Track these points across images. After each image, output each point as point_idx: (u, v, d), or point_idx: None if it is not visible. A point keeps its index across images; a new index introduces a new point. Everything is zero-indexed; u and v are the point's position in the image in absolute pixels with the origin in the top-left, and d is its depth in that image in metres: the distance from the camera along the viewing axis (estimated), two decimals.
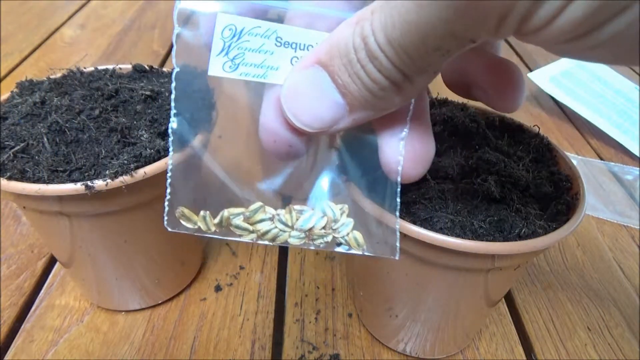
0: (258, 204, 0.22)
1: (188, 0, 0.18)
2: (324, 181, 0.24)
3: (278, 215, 0.22)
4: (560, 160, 0.32)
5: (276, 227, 0.23)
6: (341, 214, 0.23)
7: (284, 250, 0.43)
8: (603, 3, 0.12)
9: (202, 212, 0.22)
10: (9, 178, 0.27)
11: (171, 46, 0.77)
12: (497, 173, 0.28)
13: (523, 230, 0.25)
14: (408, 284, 0.29)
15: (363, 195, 0.25)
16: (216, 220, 0.22)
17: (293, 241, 0.23)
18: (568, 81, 0.66)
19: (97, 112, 0.30)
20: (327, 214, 0.23)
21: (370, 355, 0.35)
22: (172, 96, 0.20)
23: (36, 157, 0.28)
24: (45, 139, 0.28)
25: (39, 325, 0.36)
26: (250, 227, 0.22)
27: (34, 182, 0.27)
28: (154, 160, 0.28)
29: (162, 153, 0.28)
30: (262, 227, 0.22)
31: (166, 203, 0.21)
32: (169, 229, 0.21)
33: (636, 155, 0.57)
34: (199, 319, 0.37)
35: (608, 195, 0.51)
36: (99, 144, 0.29)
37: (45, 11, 0.86)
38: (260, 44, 0.19)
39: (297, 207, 0.23)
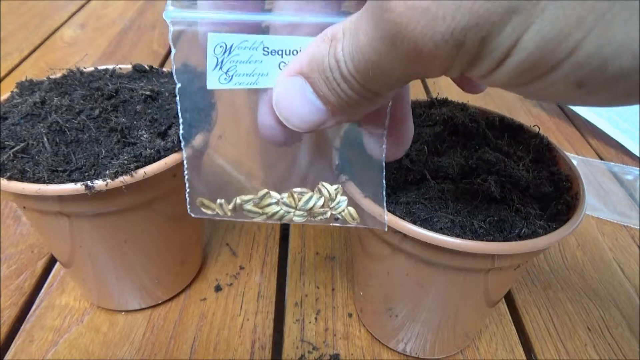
0: (264, 190, 0.26)
1: (180, 24, 0.20)
2: (318, 167, 0.27)
3: (282, 198, 0.26)
4: (560, 160, 0.32)
5: (282, 208, 0.25)
6: (336, 194, 0.26)
7: (283, 250, 0.43)
8: (533, 64, 0.14)
9: (218, 200, 0.25)
10: (9, 178, 0.27)
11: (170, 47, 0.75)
12: (497, 173, 0.28)
13: (523, 230, 0.25)
14: (408, 284, 0.29)
15: (362, 194, 0.26)
16: (230, 207, 0.25)
17: (297, 219, 0.26)
18: None
19: (97, 112, 0.30)
20: (323, 194, 0.26)
21: (370, 355, 0.35)
22: (178, 108, 0.22)
23: (36, 157, 0.28)
24: (45, 139, 0.28)
25: (39, 325, 0.36)
26: (260, 211, 0.26)
27: (34, 182, 0.27)
28: (154, 160, 0.28)
29: (162, 153, 0.28)
30: (270, 209, 0.26)
31: (187, 195, 0.24)
32: (193, 215, 0.25)
33: (636, 155, 0.57)
34: (199, 319, 0.37)
35: (608, 195, 0.51)
36: (99, 144, 0.29)
37: (45, 11, 0.86)
38: (249, 55, 0.21)
39: (297, 190, 0.26)
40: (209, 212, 0.25)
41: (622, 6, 0.12)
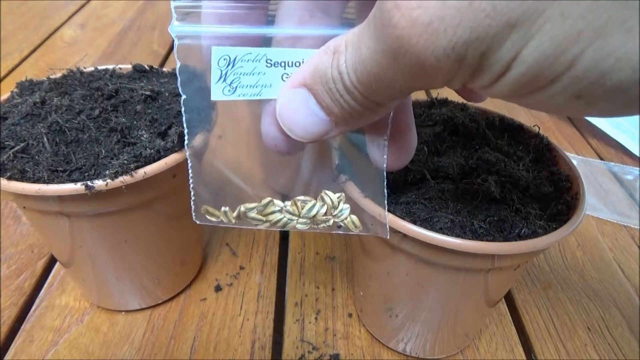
0: (268, 199, 0.26)
1: (185, 38, 0.21)
2: (321, 175, 0.27)
3: (285, 206, 0.26)
4: (560, 160, 0.32)
5: (285, 216, 0.26)
6: (339, 202, 0.26)
7: (283, 250, 0.43)
8: (532, 77, 0.14)
9: (223, 208, 0.25)
10: (9, 178, 0.27)
11: (171, 47, 0.76)
12: (497, 173, 0.28)
13: (523, 230, 0.25)
14: (408, 283, 0.29)
15: (361, 194, 0.26)
16: (235, 214, 0.26)
17: (300, 227, 0.26)
18: None
19: (97, 112, 0.30)
20: (326, 202, 0.26)
21: (370, 355, 0.35)
22: (184, 119, 0.23)
23: (36, 157, 0.28)
24: (45, 139, 0.28)
25: (39, 325, 0.36)
26: (264, 218, 0.26)
27: (34, 182, 0.26)
28: (154, 160, 0.28)
29: (162, 153, 0.28)
30: (274, 217, 0.26)
31: (192, 203, 0.24)
32: (198, 222, 0.25)
33: (636, 155, 0.57)
34: (199, 319, 0.37)
35: (608, 195, 0.51)
36: (99, 144, 0.29)
37: (45, 11, 0.86)
38: (252, 67, 0.22)
39: (300, 198, 0.26)
40: (213, 219, 0.25)
41: (620, 21, 0.13)
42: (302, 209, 0.26)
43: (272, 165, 0.27)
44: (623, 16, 0.13)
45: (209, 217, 0.25)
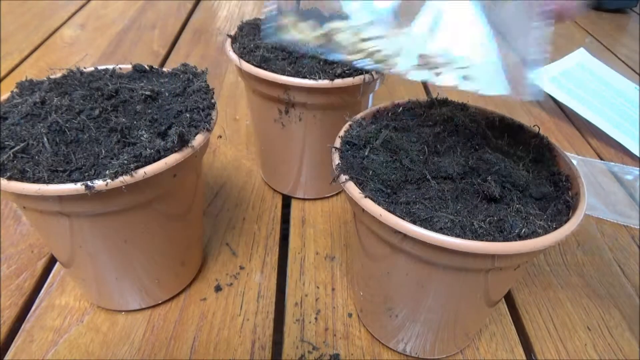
0: (369, 18, 0.20)
1: None
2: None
3: (390, 34, 0.19)
4: (560, 160, 0.32)
5: (387, 47, 0.19)
6: (472, 44, 0.18)
7: (283, 250, 0.43)
8: None
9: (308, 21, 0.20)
10: (9, 178, 0.27)
11: (171, 46, 0.76)
12: (497, 173, 0.28)
13: (523, 230, 0.25)
14: (408, 284, 0.29)
15: (361, 194, 0.26)
16: (321, 31, 0.20)
17: (403, 66, 0.19)
18: (568, 81, 0.66)
19: (97, 112, 0.30)
20: (449, 40, 0.18)
21: (370, 355, 0.35)
22: None
23: (36, 157, 0.28)
24: (45, 139, 0.28)
25: (39, 325, 0.36)
26: (357, 41, 0.19)
27: (34, 182, 0.26)
28: (154, 160, 0.28)
29: (162, 153, 0.28)
30: (370, 44, 0.19)
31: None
32: (266, 41, 0.20)
33: (636, 155, 0.57)
34: (199, 319, 0.37)
35: (608, 195, 0.51)
36: (99, 144, 0.29)
37: (45, 11, 0.86)
38: None
39: (413, 26, 0.19)
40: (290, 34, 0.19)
41: None
42: (413, 40, 0.18)
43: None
44: None
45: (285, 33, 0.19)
